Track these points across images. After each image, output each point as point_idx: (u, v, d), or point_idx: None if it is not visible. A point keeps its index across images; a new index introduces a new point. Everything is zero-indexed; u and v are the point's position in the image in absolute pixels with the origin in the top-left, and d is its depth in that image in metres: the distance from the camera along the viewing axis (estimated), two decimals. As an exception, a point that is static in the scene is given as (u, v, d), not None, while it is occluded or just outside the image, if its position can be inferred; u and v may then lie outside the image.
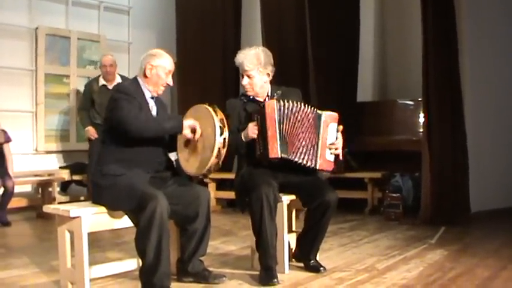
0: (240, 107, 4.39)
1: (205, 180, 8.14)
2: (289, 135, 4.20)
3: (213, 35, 9.05)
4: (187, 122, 3.86)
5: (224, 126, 3.80)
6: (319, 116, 4.26)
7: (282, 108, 4.20)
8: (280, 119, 4.18)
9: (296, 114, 4.21)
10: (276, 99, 4.24)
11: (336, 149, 4.28)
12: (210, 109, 3.86)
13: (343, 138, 4.32)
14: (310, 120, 4.24)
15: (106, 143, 3.95)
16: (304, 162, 4.21)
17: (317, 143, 4.23)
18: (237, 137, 4.25)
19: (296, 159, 4.20)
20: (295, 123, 4.21)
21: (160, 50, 4.10)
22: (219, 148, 3.76)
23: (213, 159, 3.77)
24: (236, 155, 4.37)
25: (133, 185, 3.72)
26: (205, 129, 3.83)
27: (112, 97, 3.92)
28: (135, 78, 4.07)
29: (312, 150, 4.23)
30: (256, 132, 4.18)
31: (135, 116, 3.77)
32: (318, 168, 4.25)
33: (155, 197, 3.58)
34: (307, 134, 4.22)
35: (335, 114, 4.33)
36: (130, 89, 3.93)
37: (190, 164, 3.95)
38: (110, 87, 7.22)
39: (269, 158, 4.18)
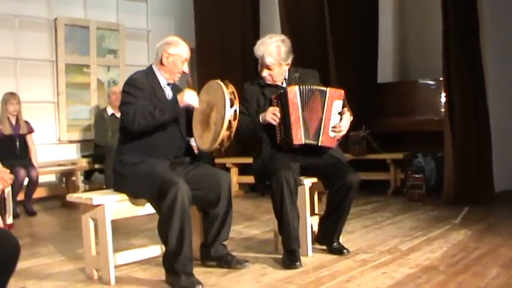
0: (258, 92, 4.39)
1: (227, 165, 8.17)
2: (309, 119, 4.20)
3: (231, 20, 9.01)
4: (182, 101, 3.81)
5: (235, 99, 3.79)
6: (324, 92, 4.25)
7: (303, 93, 4.19)
8: (302, 105, 4.19)
9: (311, 97, 4.22)
10: (298, 85, 4.23)
11: (339, 131, 4.25)
12: (221, 83, 3.86)
13: (352, 118, 4.30)
14: (319, 99, 4.23)
15: (124, 132, 3.96)
16: (308, 141, 4.21)
17: (321, 119, 4.22)
18: (254, 119, 4.26)
19: (315, 142, 4.21)
20: (312, 107, 4.21)
21: (177, 38, 4.09)
22: (230, 120, 3.75)
23: (224, 132, 3.75)
24: (255, 137, 4.34)
25: (153, 171, 3.75)
26: (217, 103, 3.83)
27: (123, 89, 3.97)
28: (150, 67, 4.08)
29: (316, 128, 4.22)
30: (276, 117, 4.18)
31: (133, 118, 3.76)
32: (319, 144, 4.23)
33: (176, 183, 3.60)
34: (317, 114, 4.23)
35: (340, 91, 4.32)
36: (139, 80, 3.92)
37: (204, 140, 3.94)
38: (118, 115, 7.37)
39: (293, 145, 4.17)
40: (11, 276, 2.70)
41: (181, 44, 4.05)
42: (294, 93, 4.18)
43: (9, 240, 2.65)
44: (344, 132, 4.28)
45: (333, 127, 4.24)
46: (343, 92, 4.33)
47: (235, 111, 3.79)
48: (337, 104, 4.27)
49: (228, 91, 3.80)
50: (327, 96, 4.24)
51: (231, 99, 3.77)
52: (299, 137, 4.17)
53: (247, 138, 4.41)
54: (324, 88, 4.28)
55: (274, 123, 4.19)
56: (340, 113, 4.27)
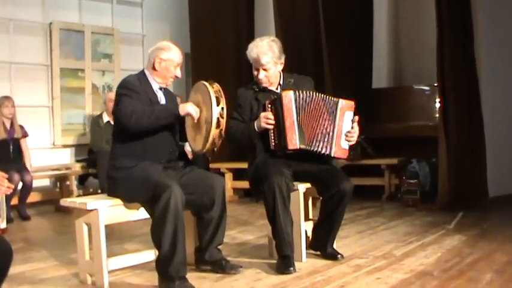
0: (251, 97, 4.38)
1: (222, 170, 8.17)
2: (305, 125, 4.20)
3: (226, 25, 9.02)
4: (183, 110, 3.84)
5: (221, 97, 3.80)
6: (336, 103, 4.25)
7: (298, 98, 4.19)
8: (297, 110, 4.18)
9: (310, 104, 4.21)
10: (293, 90, 4.23)
11: (351, 138, 4.26)
12: (206, 83, 3.88)
13: (359, 127, 4.29)
14: (324, 107, 4.22)
15: (117, 137, 3.97)
16: (319, 149, 4.20)
17: (333, 130, 4.22)
18: (249, 126, 4.25)
19: (312, 148, 4.20)
20: (310, 113, 4.20)
21: (169, 43, 4.10)
22: (218, 118, 3.75)
23: (213, 130, 3.75)
24: (250, 144, 4.33)
25: (147, 175, 3.75)
26: (204, 103, 3.84)
27: (116, 92, 3.97)
28: (143, 71, 4.09)
29: (327, 137, 4.21)
30: (271, 122, 4.18)
31: (130, 114, 3.75)
32: (333, 155, 4.24)
33: (169, 186, 3.60)
34: (321, 122, 4.21)
35: (351, 103, 4.31)
36: (133, 83, 3.93)
37: (196, 143, 3.96)
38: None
39: (288, 150, 4.17)
40: (4, 281, 2.69)
41: (173, 49, 4.06)
42: (288, 98, 4.17)
43: (2, 244, 2.65)
44: (355, 138, 4.28)
45: (347, 132, 4.24)
46: (353, 103, 4.33)
47: (222, 108, 3.79)
48: (349, 115, 4.27)
49: (213, 90, 3.81)
50: (339, 108, 4.24)
51: (216, 97, 3.79)
52: (294, 141, 4.16)
53: (243, 145, 4.40)
54: (334, 99, 4.28)
55: (269, 127, 4.19)
56: (352, 121, 4.27)
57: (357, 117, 4.29)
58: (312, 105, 4.21)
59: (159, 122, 3.82)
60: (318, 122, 4.22)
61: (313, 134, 4.21)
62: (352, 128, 4.26)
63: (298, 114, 4.18)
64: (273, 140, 4.21)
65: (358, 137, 4.34)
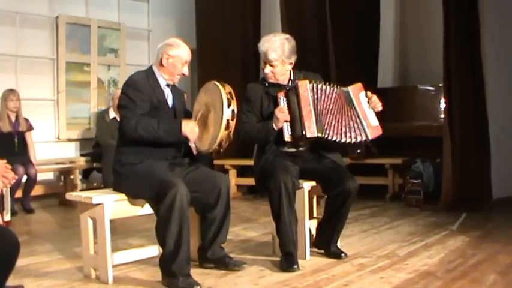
0: (261, 91, 4.38)
1: (226, 167, 8.17)
2: (324, 115, 4.20)
3: (232, 21, 9.02)
4: (186, 131, 3.82)
5: (232, 99, 3.79)
6: (347, 92, 4.26)
7: (316, 89, 4.21)
8: (314, 100, 4.19)
9: (329, 95, 4.23)
10: (309, 80, 4.24)
11: (377, 107, 4.26)
12: (218, 84, 3.87)
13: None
14: (341, 99, 4.24)
15: (123, 133, 3.93)
16: (354, 139, 4.22)
17: (358, 116, 4.22)
18: (266, 125, 4.22)
19: (338, 139, 4.20)
20: (329, 104, 4.22)
21: (178, 40, 4.08)
22: (228, 120, 3.75)
23: (222, 132, 3.76)
24: (265, 143, 4.31)
25: (152, 172, 3.75)
26: (214, 104, 3.84)
27: (121, 91, 3.97)
28: (151, 67, 4.08)
29: (356, 125, 4.22)
30: (287, 115, 4.17)
31: (135, 128, 3.76)
32: (370, 137, 4.23)
33: (175, 184, 3.59)
34: (345, 114, 4.23)
35: (359, 84, 4.33)
36: (139, 82, 3.91)
37: (203, 142, 3.95)
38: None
39: (305, 138, 4.16)
40: (11, 273, 2.70)
41: (182, 46, 4.04)
42: (305, 87, 4.18)
43: (9, 237, 2.66)
44: (380, 104, 4.27)
45: (371, 106, 4.25)
46: (360, 84, 4.34)
47: (233, 110, 3.79)
48: (363, 95, 4.27)
49: (225, 91, 3.81)
50: (351, 94, 4.25)
51: (228, 99, 3.78)
52: (312, 130, 4.14)
53: (257, 143, 4.40)
54: (343, 88, 4.29)
55: (287, 118, 4.17)
56: (368, 98, 4.28)
57: (369, 93, 4.29)
58: (330, 97, 4.23)
59: (161, 140, 3.83)
60: (341, 114, 4.23)
61: (338, 126, 4.21)
62: (371, 101, 4.26)
63: (314, 103, 4.19)
64: (289, 131, 4.19)
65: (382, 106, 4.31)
